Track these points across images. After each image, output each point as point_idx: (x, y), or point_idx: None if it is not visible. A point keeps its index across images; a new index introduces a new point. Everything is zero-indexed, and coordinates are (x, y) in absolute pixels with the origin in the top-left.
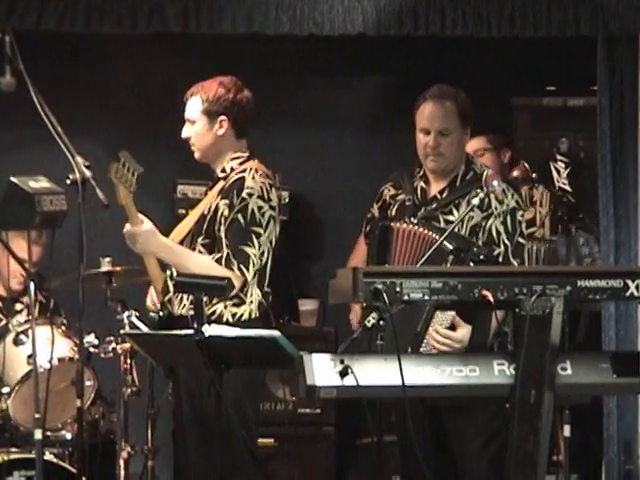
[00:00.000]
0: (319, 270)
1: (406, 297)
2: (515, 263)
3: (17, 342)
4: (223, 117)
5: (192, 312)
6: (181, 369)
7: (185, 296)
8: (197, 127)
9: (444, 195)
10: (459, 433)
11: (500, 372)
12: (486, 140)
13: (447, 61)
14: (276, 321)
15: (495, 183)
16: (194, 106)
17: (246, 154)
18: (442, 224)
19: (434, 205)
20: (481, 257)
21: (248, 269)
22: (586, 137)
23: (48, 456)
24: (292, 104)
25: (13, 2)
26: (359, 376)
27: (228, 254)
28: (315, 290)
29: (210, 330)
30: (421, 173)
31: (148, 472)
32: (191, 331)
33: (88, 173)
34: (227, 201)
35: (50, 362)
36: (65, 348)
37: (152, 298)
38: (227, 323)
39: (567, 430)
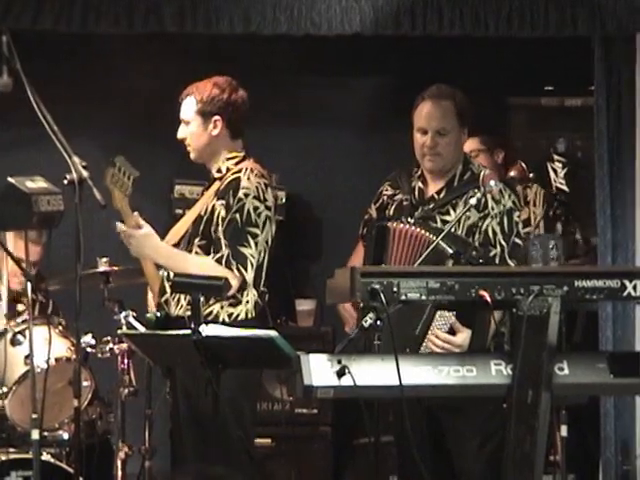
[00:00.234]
0: (316, 270)
1: (403, 297)
2: (512, 264)
3: (14, 342)
4: (217, 117)
5: (189, 312)
6: (178, 369)
7: (182, 297)
8: (192, 127)
9: (441, 195)
10: (456, 433)
11: (497, 372)
12: (479, 141)
13: (444, 61)
14: (273, 321)
15: (492, 183)
16: (189, 107)
17: (241, 154)
18: (439, 224)
19: (431, 205)
20: (480, 260)
21: (247, 269)
22: (583, 137)
23: (45, 456)
24: (289, 104)
25: (9, 2)
26: (356, 376)
27: (228, 254)
28: (312, 290)
29: (207, 330)
30: (419, 173)
31: (145, 472)
32: (188, 331)
33: (85, 173)
34: (224, 202)
35: (47, 362)
36: (62, 348)
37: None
38: (223, 323)
39: (564, 430)
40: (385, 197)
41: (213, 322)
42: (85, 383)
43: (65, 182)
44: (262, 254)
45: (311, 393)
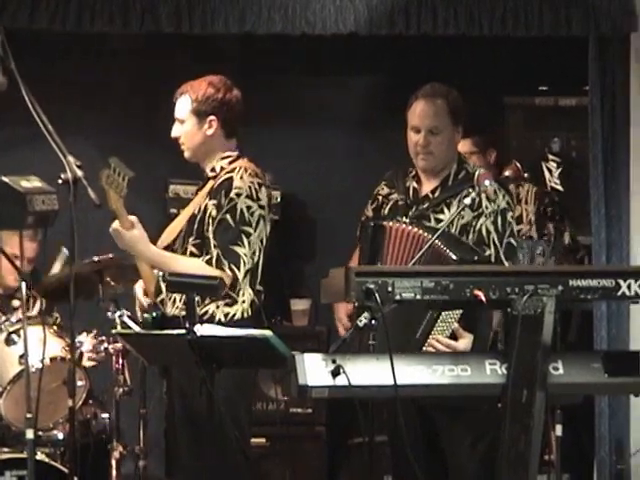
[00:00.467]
0: (311, 270)
1: (398, 297)
2: (507, 264)
3: (9, 342)
4: (212, 117)
5: (185, 312)
6: (173, 369)
7: (177, 297)
8: (186, 127)
9: (436, 194)
10: (449, 432)
11: (492, 372)
12: (472, 143)
13: (439, 60)
14: (268, 321)
15: (487, 182)
16: (183, 106)
17: (235, 153)
18: (433, 223)
19: (426, 204)
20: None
21: (239, 268)
22: (578, 137)
23: (40, 456)
24: (284, 103)
25: (5, 1)
26: (351, 376)
27: (218, 254)
28: (307, 290)
29: (202, 330)
30: (413, 173)
31: (140, 472)
32: (183, 331)
33: (80, 172)
34: (215, 201)
35: (42, 362)
36: (57, 348)
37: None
38: (219, 323)
39: (559, 430)
40: (380, 197)
41: (209, 322)
42: (80, 383)
43: (59, 181)
44: (257, 253)
45: (306, 393)
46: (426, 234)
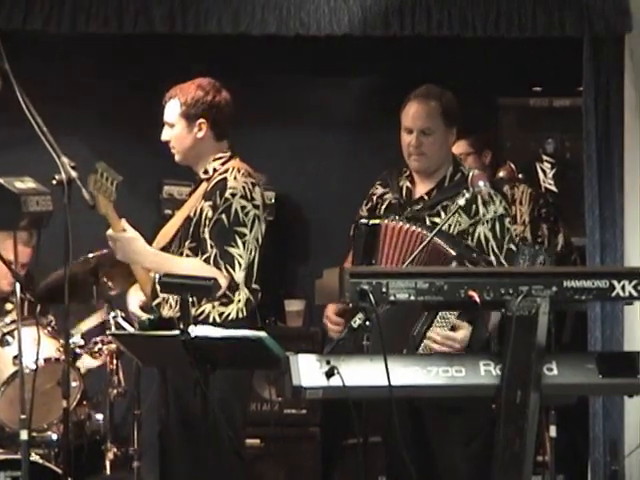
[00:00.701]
0: (305, 270)
1: (392, 297)
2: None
3: (3, 343)
4: (202, 120)
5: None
6: (168, 370)
7: (172, 298)
8: (176, 130)
9: (432, 196)
10: (442, 432)
11: (486, 372)
12: (467, 144)
13: (433, 61)
14: (262, 321)
15: (481, 183)
16: (172, 109)
17: (228, 154)
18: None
19: (420, 205)
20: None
21: (234, 269)
22: (572, 138)
23: (34, 457)
24: (278, 104)
25: None
26: (345, 377)
27: (215, 254)
28: (301, 290)
29: (196, 330)
30: (407, 173)
31: (134, 473)
32: (177, 332)
33: (74, 173)
34: (210, 202)
35: (36, 363)
36: (51, 349)
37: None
38: (214, 322)
39: (553, 430)
40: (375, 197)
41: (204, 322)
42: (74, 384)
43: (54, 182)
44: (252, 253)
45: (300, 394)
46: (424, 231)
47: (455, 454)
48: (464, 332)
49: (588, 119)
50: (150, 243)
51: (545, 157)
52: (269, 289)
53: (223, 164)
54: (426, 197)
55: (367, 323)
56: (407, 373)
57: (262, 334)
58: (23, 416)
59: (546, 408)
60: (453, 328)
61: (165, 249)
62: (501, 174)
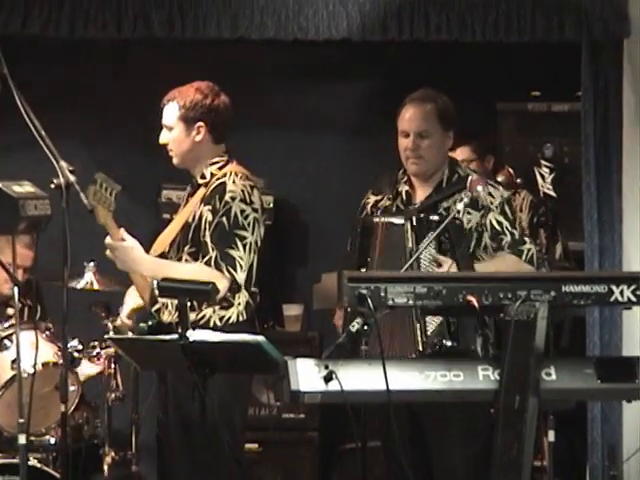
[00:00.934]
0: (304, 275)
1: (391, 302)
2: (528, 241)
3: (1, 347)
4: (200, 123)
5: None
6: (166, 374)
7: (171, 305)
8: (174, 133)
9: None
10: (442, 434)
11: (484, 377)
12: (470, 150)
13: (432, 66)
14: (261, 326)
15: (480, 188)
16: (171, 112)
17: (225, 158)
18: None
19: (417, 205)
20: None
21: (236, 270)
22: (571, 142)
23: (32, 461)
24: (276, 108)
25: None
26: (343, 381)
27: (216, 256)
28: (300, 295)
29: (194, 335)
30: (405, 178)
31: (132, 477)
32: (175, 336)
33: (72, 178)
34: (210, 207)
35: (34, 367)
36: (49, 353)
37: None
38: (215, 326)
39: (551, 435)
40: (369, 206)
41: (205, 326)
42: (72, 388)
43: (52, 186)
44: (252, 255)
45: (298, 398)
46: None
47: (454, 455)
48: (449, 262)
49: (587, 124)
50: (149, 248)
51: (544, 162)
52: (268, 293)
53: (220, 168)
54: (426, 202)
55: (365, 328)
56: (405, 378)
57: (260, 338)
58: (21, 420)
59: (544, 413)
60: (439, 264)
61: (163, 255)
62: (499, 179)
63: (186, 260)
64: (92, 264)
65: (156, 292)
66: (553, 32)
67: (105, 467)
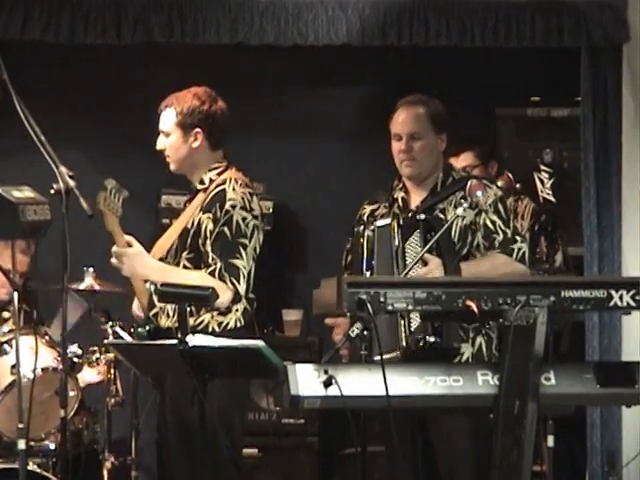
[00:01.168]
0: (303, 280)
1: (390, 307)
2: (519, 240)
3: (0, 352)
4: (197, 129)
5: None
6: (166, 379)
7: (170, 308)
8: (171, 139)
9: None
10: (445, 436)
11: (484, 382)
12: (474, 155)
13: (431, 71)
14: (260, 331)
15: (479, 194)
16: (168, 118)
17: (224, 164)
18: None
19: (414, 210)
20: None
21: (239, 282)
22: (570, 148)
23: (32, 466)
24: (276, 114)
25: None
26: (343, 386)
27: (220, 268)
28: (299, 300)
29: (194, 340)
30: (400, 185)
31: None
32: (175, 341)
33: (72, 183)
34: (210, 215)
35: (34, 372)
36: (49, 358)
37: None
38: (213, 332)
39: (551, 440)
40: (365, 216)
41: (203, 331)
42: (71, 393)
43: (52, 192)
44: (251, 262)
45: (298, 403)
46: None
47: (460, 455)
48: (436, 261)
49: (586, 129)
50: (148, 253)
51: (543, 167)
52: (267, 299)
53: (219, 174)
54: (421, 206)
55: (365, 333)
56: (405, 383)
57: (260, 343)
58: (21, 425)
59: (544, 418)
60: (425, 263)
61: (162, 261)
62: (499, 184)
63: (184, 266)
64: (91, 269)
65: (155, 297)
66: (552, 37)
67: (105, 472)
